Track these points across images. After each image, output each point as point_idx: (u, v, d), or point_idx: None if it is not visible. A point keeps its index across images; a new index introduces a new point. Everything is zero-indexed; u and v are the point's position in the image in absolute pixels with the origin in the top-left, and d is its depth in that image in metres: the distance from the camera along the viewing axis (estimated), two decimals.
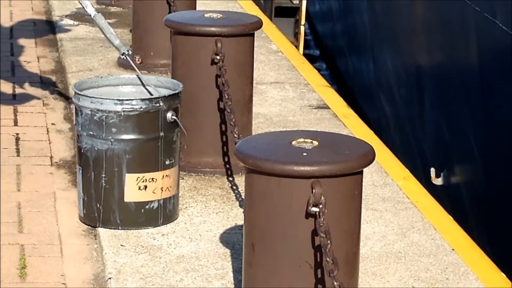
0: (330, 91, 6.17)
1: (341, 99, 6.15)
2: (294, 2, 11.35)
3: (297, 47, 9.96)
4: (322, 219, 3.27)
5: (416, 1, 10.40)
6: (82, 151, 4.39)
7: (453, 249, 4.31)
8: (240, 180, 4.71)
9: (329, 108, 5.81)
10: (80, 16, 7.23)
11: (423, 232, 4.44)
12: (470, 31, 8.87)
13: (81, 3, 5.64)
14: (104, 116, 4.31)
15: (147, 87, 4.57)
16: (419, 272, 4.10)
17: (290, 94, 5.98)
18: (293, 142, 3.46)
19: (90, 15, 5.60)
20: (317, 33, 14.84)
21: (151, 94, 4.54)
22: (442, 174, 9.38)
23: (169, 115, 4.35)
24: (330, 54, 14.25)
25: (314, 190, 3.29)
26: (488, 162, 8.76)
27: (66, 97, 5.89)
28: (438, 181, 9.36)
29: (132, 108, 4.30)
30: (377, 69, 11.98)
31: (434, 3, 9.69)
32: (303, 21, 11.69)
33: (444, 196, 8.79)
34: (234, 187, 4.74)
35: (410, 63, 10.88)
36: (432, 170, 9.51)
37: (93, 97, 4.37)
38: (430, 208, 4.75)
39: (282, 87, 6.09)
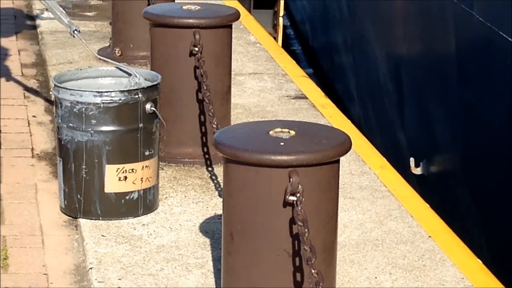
0: (308, 82, 6.18)
1: (319, 89, 6.16)
2: None
3: (275, 38, 9.95)
4: (299, 208, 3.29)
5: None
6: (62, 143, 4.41)
7: (429, 236, 4.34)
8: (219, 170, 4.73)
9: (307, 98, 5.83)
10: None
11: (400, 219, 4.47)
12: (449, 22, 8.90)
13: None
14: (83, 108, 4.32)
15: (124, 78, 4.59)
16: (396, 259, 4.13)
17: (268, 84, 5.99)
18: (271, 132, 3.48)
19: None
20: (296, 24, 14.86)
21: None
22: (418, 162, 9.42)
23: (148, 106, 4.37)
24: (307, 41, 14.30)
25: (291, 179, 3.31)
26: (466, 151, 8.81)
27: (46, 90, 5.89)
28: (418, 171, 9.40)
29: (111, 100, 4.32)
30: (357, 62, 12.03)
31: None
32: (281, 13, 11.71)
33: (423, 185, 8.84)
34: (213, 177, 4.76)
35: (389, 53, 10.91)
36: (412, 160, 9.56)
37: (73, 89, 4.39)
38: (407, 196, 4.78)
39: (260, 78, 6.10)
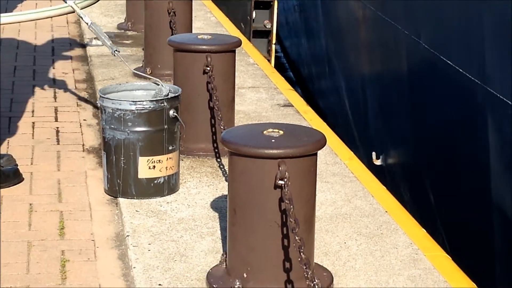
0: (294, 94, 6.22)
1: (302, 99, 6.18)
2: (267, 26, 11.33)
3: (269, 60, 9.88)
4: (286, 190, 3.31)
5: (361, 26, 10.40)
6: (106, 140, 4.42)
7: (386, 211, 4.36)
8: (225, 161, 4.75)
9: (293, 106, 5.85)
10: None
11: (363, 198, 4.49)
12: (401, 50, 8.89)
13: (79, 15, 5.56)
14: (122, 114, 4.33)
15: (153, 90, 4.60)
16: (361, 229, 4.16)
17: (263, 96, 6.01)
18: (264, 132, 3.49)
19: (87, 24, 5.55)
20: (286, 49, 14.80)
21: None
22: (379, 155, 9.42)
23: (171, 112, 4.38)
24: (295, 66, 14.26)
25: (280, 168, 3.33)
26: (418, 147, 8.81)
27: (94, 100, 5.91)
28: (378, 162, 9.40)
29: (143, 107, 4.33)
30: (331, 76, 12.00)
31: (374, 27, 9.70)
32: (274, 41, 11.68)
33: (381, 173, 8.84)
34: (221, 166, 4.78)
35: (356, 74, 10.90)
36: (374, 153, 9.56)
37: (114, 99, 4.41)
38: (369, 181, 4.80)
39: (257, 91, 6.12)
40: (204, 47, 4.92)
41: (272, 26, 11.48)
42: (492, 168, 7.02)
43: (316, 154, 3.50)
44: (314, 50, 12.99)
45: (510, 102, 6.53)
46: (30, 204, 4.39)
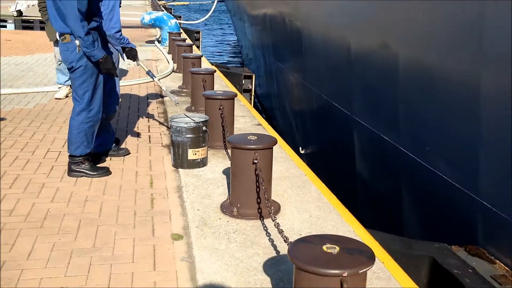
0: (262, 119, 6.14)
1: (266, 122, 6.10)
2: (249, 87, 11.34)
3: (250, 103, 9.84)
4: (258, 165, 3.32)
5: (293, 87, 10.36)
6: (173, 141, 4.40)
7: (305, 175, 4.34)
8: (229, 151, 4.73)
9: (261, 125, 5.82)
10: (176, 93, 7.10)
11: (295, 170, 4.46)
12: (312, 99, 8.88)
13: (157, 83, 5.45)
14: (179, 128, 4.32)
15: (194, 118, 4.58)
16: (293, 183, 4.11)
17: (247, 120, 5.97)
18: (249, 137, 3.50)
19: (162, 88, 5.51)
20: (258, 96, 14.80)
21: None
22: (304, 149, 9.43)
23: (204, 128, 4.37)
24: (263, 101, 14.28)
25: (255, 154, 3.34)
26: (321, 143, 8.81)
27: (166, 122, 5.87)
28: (303, 152, 9.41)
29: (190, 125, 4.32)
30: (280, 110, 11.99)
31: (299, 88, 9.70)
32: (252, 94, 11.71)
33: (304, 157, 8.84)
34: (227, 154, 4.73)
35: (291, 109, 10.89)
36: (301, 148, 9.55)
37: (175, 121, 4.39)
38: (298, 161, 4.78)
39: (244, 118, 6.08)
40: (220, 97, 4.88)
41: (251, 87, 11.52)
42: (356, 159, 7.05)
43: (272, 148, 3.50)
44: (271, 99, 13.01)
45: (367, 125, 6.57)
46: (136, 172, 4.39)
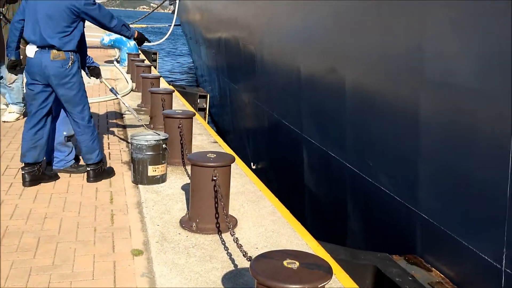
0: (218, 137, 6.06)
1: (221, 139, 6.02)
2: (204, 106, 11.25)
3: (205, 119, 9.73)
4: (217, 181, 3.23)
5: (247, 106, 10.35)
6: (133, 158, 4.25)
7: (260, 190, 4.28)
8: (188, 168, 4.62)
9: (217, 142, 5.74)
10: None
11: (249, 185, 4.40)
12: (264, 117, 8.88)
13: (121, 100, 5.29)
14: (140, 145, 4.19)
15: (156, 134, 4.44)
16: (249, 198, 4.05)
17: (204, 137, 5.88)
18: (208, 154, 3.41)
19: (126, 105, 5.31)
20: (212, 115, 14.72)
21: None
22: (255, 164, 9.40)
23: (164, 145, 4.25)
24: (217, 119, 14.20)
25: (214, 171, 3.26)
26: (272, 160, 8.80)
27: (126, 139, 5.71)
28: (254, 167, 9.37)
29: (151, 143, 4.20)
30: (234, 128, 11.94)
31: (252, 107, 9.69)
32: (207, 112, 11.64)
33: (255, 171, 8.80)
34: (186, 170, 4.61)
35: (243, 127, 10.85)
36: (252, 163, 9.52)
37: (136, 139, 4.24)
38: (252, 177, 4.72)
39: (201, 135, 5.99)
40: (179, 116, 4.77)
41: (206, 106, 11.44)
42: (305, 174, 7.06)
43: (230, 165, 3.43)
44: (224, 117, 12.95)
45: (315, 142, 6.60)
46: (96, 188, 4.20)
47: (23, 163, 4.11)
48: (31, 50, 3.85)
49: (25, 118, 4.09)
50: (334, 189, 6.23)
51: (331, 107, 6.06)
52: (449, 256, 4.04)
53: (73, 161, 4.46)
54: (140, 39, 4.56)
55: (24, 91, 4.42)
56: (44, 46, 3.81)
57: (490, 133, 3.53)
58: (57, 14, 3.80)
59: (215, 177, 3.25)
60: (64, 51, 3.85)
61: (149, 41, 4.73)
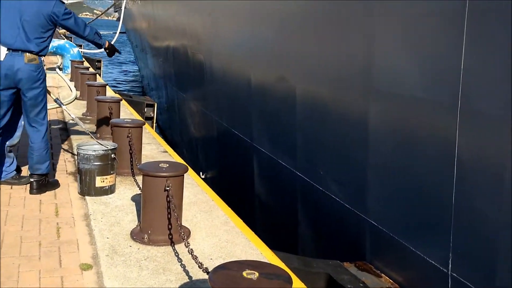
0: (168, 146, 5.97)
1: (171, 149, 5.93)
2: (152, 115, 11.09)
3: (152, 128, 9.58)
4: (170, 192, 3.17)
5: (195, 115, 10.29)
6: (80, 168, 4.11)
7: (213, 200, 4.25)
8: (138, 178, 4.51)
9: (167, 152, 5.64)
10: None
11: (201, 195, 4.36)
12: (213, 126, 8.85)
13: (64, 109, 5.14)
14: (87, 156, 4.05)
15: (104, 145, 4.31)
16: (201, 208, 4.00)
17: (153, 147, 5.78)
18: (160, 164, 3.34)
19: (70, 114, 5.15)
20: (159, 124, 14.53)
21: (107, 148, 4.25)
22: (204, 173, 9.32)
23: (112, 155, 4.13)
24: (164, 128, 14.00)
25: (167, 181, 3.20)
26: (222, 169, 8.76)
27: (71, 149, 5.52)
28: (203, 176, 9.30)
29: (98, 153, 4.07)
30: (182, 137, 11.83)
31: (200, 115, 9.64)
32: (155, 122, 11.49)
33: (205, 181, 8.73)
34: (135, 181, 4.52)
35: (194, 137, 10.77)
36: (201, 173, 9.44)
37: (82, 149, 4.11)
38: (204, 186, 4.67)
39: (150, 145, 5.88)
40: (128, 125, 4.66)
41: (154, 115, 11.28)
42: (255, 178, 7.07)
43: (183, 175, 3.38)
44: (172, 126, 12.81)
45: (266, 151, 6.62)
46: (40, 200, 4.02)
47: None
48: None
49: None
50: (285, 197, 6.26)
51: (282, 116, 6.10)
52: (398, 262, 4.13)
53: (15, 172, 4.25)
54: (111, 49, 4.60)
55: None
56: (18, 50, 3.79)
57: (435, 141, 3.65)
58: (37, 20, 3.84)
59: (168, 187, 3.18)
60: (39, 56, 3.87)
61: (119, 52, 4.66)
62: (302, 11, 5.53)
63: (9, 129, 4.07)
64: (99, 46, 4.40)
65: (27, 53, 3.81)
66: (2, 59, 3.78)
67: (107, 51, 4.59)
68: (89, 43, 4.61)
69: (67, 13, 4.00)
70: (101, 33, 4.34)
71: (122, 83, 24.09)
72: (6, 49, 3.77)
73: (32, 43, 3.82)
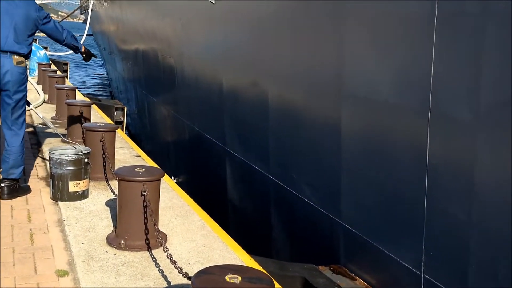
0: (140, 150, 5.91)
1: (145, 153, 5.88)
2: (122, 119, 10.96)
3: (123, 131, 9.46)
4: (147, 196, 3.16)
5: (166, 119, 10.20)
6: (52, 173, 4.04)
7: (188, 205, 4.23)
8: (110, 182, 4.45)
9: (140, 156, 5.59)
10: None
11: (177, 199, 4.33)
12: (185, 131, 8.80)
13: (34, 111, 5.09)
14: (60, 160, 3.98)
15: (76, 148, 4.24)
16: (177, 213, 3.98)
17: (126, 151, 5.70)
18: (136, 169, 3.32)
19: (40, 116, 5.06)
20: (129, 127, 14.36)
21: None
22: (176, 178, 9.24)
23: (86, 160, 4.07)
24: (134, 132, 13.86)
25: (144, 186, 3.18)
26: (194, 173, 8.72)
27: (41, 154, 5.40)
28: (174, 180, 9.23)
29: (71, 157, 4.00)
30: (154, 141, 11.71)
31: (171, 120, 9.57)
32: (125, 125, 11.33)
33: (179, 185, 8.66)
34: (109, 185, 4.45)
35: (164, 141, 10.69)
36: (173, 177, 9.37)
37: (55, 153, 4.04)
38: (179, 191, 4.64)
39: (122, 149, 5.79)
40: (101, 129, 4.60)
41: (123, 119, 11.15)
42: (228, 183, 7.07)
43: (159, 179, 3.36)
44: (142, 130, 12.69)
45: (238, 156, 6.63)
46: (11, 206, 3.93)
47: None
48: None
49: None
50: (258, 201, 6.28)
51: (255, 120, 6.13)
52: (372, 264, 4.21)
53: None
54: (87, 54, 4.58)
55: None
56: (6, 51, 3.75)
57: (407, 144, 3.74)
58: (26, 23, 3.85)
59: (144, 191, 3.16)
60: (26, 58, 3.89)
61: (96, 57, 4.63)
62: (274, 15, 5.57)
63: None
64: (75, 50, 4.36)
65: (15, 56, 3.78)
66: None
67: (83, 55, 4.54)
68: (63, 47, 4.55)
69: (47, 16, 4.01)
70: None
71: (89, 86, 23.70)
72: None
73: (20, 45, 3.80)
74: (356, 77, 4.27)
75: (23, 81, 3.90)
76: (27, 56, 3.88)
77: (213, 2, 6.23)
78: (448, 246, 3.38)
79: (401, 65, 3.75)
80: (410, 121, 3.69)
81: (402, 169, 3.80)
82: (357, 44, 4.23)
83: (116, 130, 5.44)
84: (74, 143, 4.66)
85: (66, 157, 3.96)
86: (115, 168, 4.43)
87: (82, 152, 4.07)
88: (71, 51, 6.14)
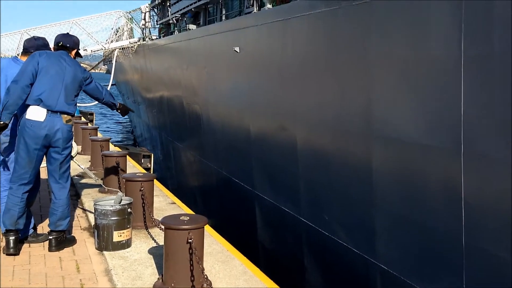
0: (175, 198, 5.95)
1: (180, 201, 5.92)
2: (149, 166, 11.11)
3: None
4: (193, 244, 3.22)
5: (192, 164, 10.27)
6: (97, 224, 4.12)
7: (228, 250, 4.22)
8: (151, 230, 4.50)
9: (175, 203, 5.60)
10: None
11: (216, 245, 4.28)
12: (213, 174, 8.86)
13: (75, 162, 5.21)
14: (104, 211, 4.08)
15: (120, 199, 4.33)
16: (218, 259, 3.96)
17: (161, 199, 5.69)
18: (181, 217, 3.39)
19: (81, 167, 5.23)
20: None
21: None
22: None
23: (129, 210, 4.17)
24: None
25: (189, 234, 3.24)
26: (223, 217, 8.75)
27: (81, 204, 5.49)
28: None
29: (116, 208, 4.11)
30: (176, 178, 11.79)
31: (198, 164, 9.65)
32: (152, 172, 11.44)
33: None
34: (149, 233, 4.49)
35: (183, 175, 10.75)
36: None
37: (100, 204, 4.15)
38: (216, 236, 4.62)
39: (158, 196, 5.71)
40: (140, 179, 4.70)
41: (150, 165, 11.34)
42: (258, 225, 7.05)
43: (203, 227, 3.41)
44: (169, 175, 12.82)
45: (268, 198, 6.66)
46: (59, 257, 4.01)
47: (7, 230, 3.97)
48: (39, 113, 3.90)
49: None
50: (290, 243, 6.29)
51: (284, 164, 6.22)
52: None
53: (32, 230, 4.28)
54: (123, 110, 4.75)
55: None
56: (56, 111, 3.94)
57: (441, 184, 3.78)
58: (74, 84, 4.05)
59: (190, 239, 3.24)
60: (72, 117, 4.08)
61: (133, 111, 4.80)
62: (299, 60, 5.74)
63: (34, 187, 4.15)
64: (112, 107, 4.55)
65: (65, 115, 3.98)
66: (42, 120, 3.91)
67: (118, 111, 4.73)
68: (103, 105, 4.74)
69: (90, 76, 4.22)
70: None
71: (114, 133, 24.19)
72: (46, 110, 3.92)
73: (69, 105, 4.01)
74: (387, 119, 4.35)
75: (71, 137, 4.10)
76: (73, 115, 4.08)
77: (238, 51, 6.45)
78: (488, 284, 3.36)
79: (430, 104, 3.83)
80: (443, 160, 3.74)
81: (437, 207, 3.82)
82: (385, 87, 4.34)
83: None
84: (117, 190, 4.76)
85: (111, 208, 4.07)
86: (154, 216, 4.52)
87: (125, 202, 4.17)
88: (95, 102, 6.37)
